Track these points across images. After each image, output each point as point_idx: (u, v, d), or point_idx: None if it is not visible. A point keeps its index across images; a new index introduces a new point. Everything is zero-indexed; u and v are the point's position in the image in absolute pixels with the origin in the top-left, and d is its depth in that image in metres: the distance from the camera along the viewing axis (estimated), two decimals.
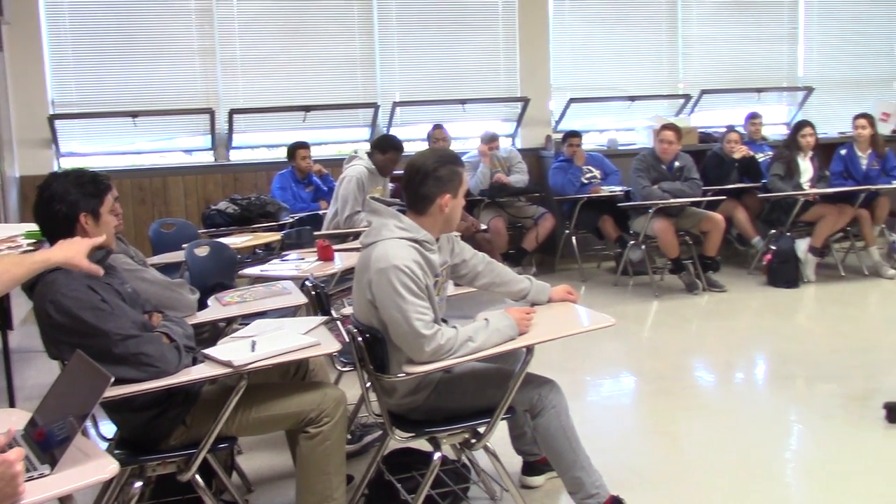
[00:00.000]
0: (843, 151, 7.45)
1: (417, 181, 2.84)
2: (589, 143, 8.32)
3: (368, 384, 2.93)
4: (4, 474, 1.72)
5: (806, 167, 7.19)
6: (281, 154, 7.35)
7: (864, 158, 7.34)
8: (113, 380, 2.06)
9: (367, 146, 6.44)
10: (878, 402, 4.04)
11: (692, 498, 3.34)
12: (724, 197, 7.16)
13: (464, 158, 7.44)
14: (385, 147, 6.03)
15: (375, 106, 7.85)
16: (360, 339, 2.78)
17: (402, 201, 4.04)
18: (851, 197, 7.06)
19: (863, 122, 7.36)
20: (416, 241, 2.78)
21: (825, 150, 7.54)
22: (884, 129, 8.47)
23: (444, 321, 2.91)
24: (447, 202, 2.84)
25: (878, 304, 6.62)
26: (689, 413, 4.28)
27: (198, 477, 2.74)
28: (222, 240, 5.17)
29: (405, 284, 2.66)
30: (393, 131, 7.72)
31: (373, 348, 2.78)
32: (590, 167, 7.52)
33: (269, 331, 2.92)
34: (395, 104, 7.90)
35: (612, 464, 3.46)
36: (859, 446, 3.74)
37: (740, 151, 7.46)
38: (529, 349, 2.77)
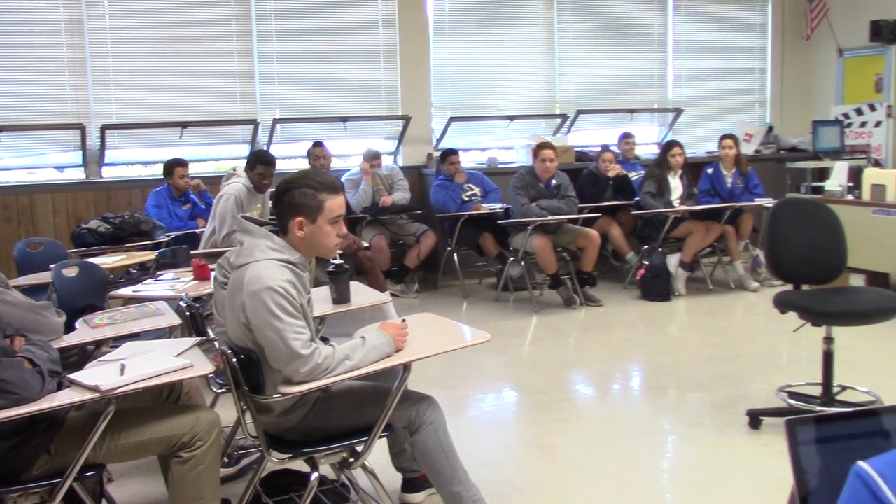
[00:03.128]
0: (709, 170, 7.79)
1: (276, 200, 2.82)
2: (470, 161, 8.45)
3: (245, 406, 2.88)
4: None
5: (676, 185, 7.49)
6: (157, 171, 7.16)
7: (729, 177, 7.70)
8: None
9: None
10: (743, 409, 4.25)
11: None
12: (599, 214, 7.39)
13: (346, 176, 7.46)
14: (252, 162, 5.96)
15: (255, 122, 7.75)
16: (234, 360, 2.73)
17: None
18: (718, 214, 7.40)
19: (728, 142, 7.72)
20: (288, 261, 2.75)
21: (693, 169, 7.87)
22: (747, 149, 8.93)
23: (325, 339, 2.89)
24: (300, 226, 2.76)
25: (743, 316, 6.94)
26: (566, 425, 4.37)
27: None
28: (93, 259, 5.00)
29: (280, 305, 2.62)
30: (273, 148, 7.64)
31: (248, 369, 2.74)
32: (470, 185, 7.63)
33: (140, 353, 2.84)
34: (276, 121, 7.82)
35: (490, 478, 3.52)
36: (725, 452, 3.91)
37: (614, 170, 7.72)
38: (406, 366, 2.78)
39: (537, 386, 5.02)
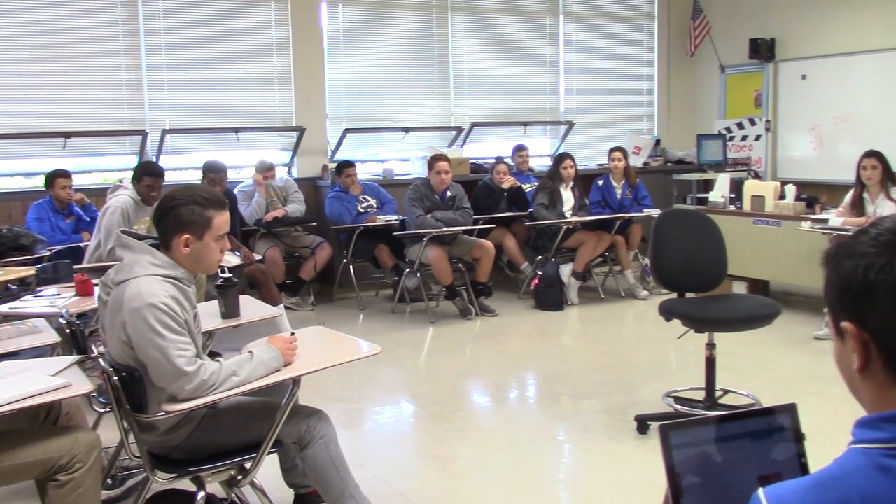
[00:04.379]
0: (600, 182, 7.99)
1: (159, 215, 2.75)
2: (366, 172, 8.43)
3: (128, 425, 2.79)
4: None
5: (568, 196, 7.65)
6: (39, 182, 6.88)
7: (618, 188, 7.91)
8: None
9: None
10: (633, 414, 4.37)
11: None
12: (493, 225, 7.48)
13: (239, 188, 7.34)
14: (139, 174, 5.80)
15: (143, 133, 7.53)
16: (115, 378, 2.64)
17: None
18: (608, 224, 7.60)
19: (618, 154, 7.93)
20: (172, 277, 2.68)
21: (584, 181, 8.06)
22: (636, 162, 9.20)
23: (215, 354, 2.83)
24: (186, 243, 2.72)
25: (633, 324, 7.13)
26: (461, 435, 4.39)
27: None
28: None
29: (163, 322, 2.56)
30: (163, 160, 7.43)
31: (130, 387, 2.65)
32: (366, 196, 7.60)
33: (13, 373, 2.71)
34: (165, 131, 7.61)
35: (383, 490, 3.50)
36: (615, 457, 4.00)
37: (508, 182, 7.82)
38: (296, 380, 2.75)
39: (433, 397, 5.03)
